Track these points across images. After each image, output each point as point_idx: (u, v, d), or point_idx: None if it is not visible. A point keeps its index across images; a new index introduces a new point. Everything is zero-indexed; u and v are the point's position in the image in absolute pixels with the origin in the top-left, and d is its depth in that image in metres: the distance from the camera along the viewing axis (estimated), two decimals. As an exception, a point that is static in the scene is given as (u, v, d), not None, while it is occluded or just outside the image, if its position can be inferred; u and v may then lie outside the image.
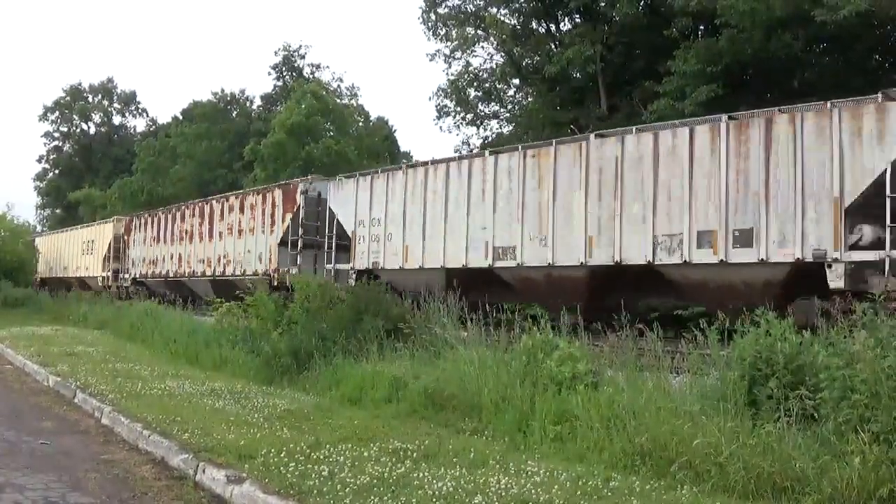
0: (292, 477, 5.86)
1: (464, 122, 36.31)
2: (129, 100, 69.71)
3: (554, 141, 14.80)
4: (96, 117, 69.17)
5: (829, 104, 11.12)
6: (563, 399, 7.48)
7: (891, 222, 10.13)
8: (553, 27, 32.24)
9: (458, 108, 36.03)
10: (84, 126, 68.96)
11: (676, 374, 7.84)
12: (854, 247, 10.62)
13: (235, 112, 56.00)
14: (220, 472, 6.18)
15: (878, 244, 10.50)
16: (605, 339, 9.22)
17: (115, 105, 69.60)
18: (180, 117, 58.85)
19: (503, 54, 33.60)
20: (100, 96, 69.15)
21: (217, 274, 23.73)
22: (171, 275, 26.88)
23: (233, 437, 7.25)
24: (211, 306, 17.16)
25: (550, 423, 7.28)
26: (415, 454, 6.66)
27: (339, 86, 52.59)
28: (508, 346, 9.36)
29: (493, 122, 36.22)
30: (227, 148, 51.16)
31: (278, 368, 11.84)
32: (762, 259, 11.23)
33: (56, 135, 68.87)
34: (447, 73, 40.41)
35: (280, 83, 53.81)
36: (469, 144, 35.59)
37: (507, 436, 7.50)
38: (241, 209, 22.93)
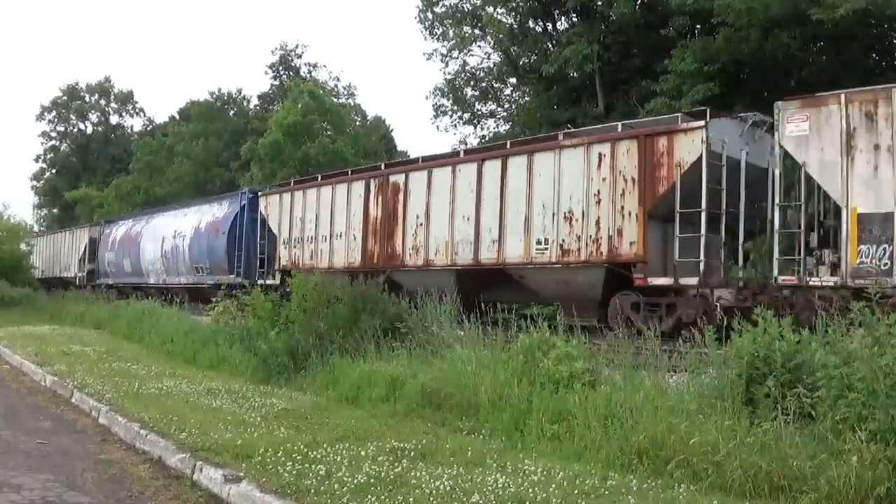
0: (290, 476, 5.85)
1: (461, 122, 36.37)
2: (126, 99, 69.63)
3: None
4: (93, 117, 69.10)
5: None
6: (560, 398, 7.47)
7: None
8: (550, 26, 32.25)
9: (456, 108, 36.04)
10: (81, 126, 68.93)
11: (674, 372, 7.85)
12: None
13: (232, 111, 56.01)
14: (218, 471, 6.17)
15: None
16: (603, 337, 9.22)
17: (113, 105, 69.51)
18: (177, 116, 58.92)
19: (500, 53, 33.58)
20: (97, 96, 69.04)
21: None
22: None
23: (230, 436, 7.23)
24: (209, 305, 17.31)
25: (548, 421, 7.27)
26: (412, 453, 6.65)
27: (336, 85, 52.74)
28: (506, 345, 9.36)
29: (491, 122, 36.30)
30: (223, 147, 51.18)
31: (275, 368, 11.82)
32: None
33: (53, 134, 68.81)
34: (444, 73, 40.39)
35: (277, 82, 53.81)
36: (466, 143, 35.61)
37: (504, 435, 7.49)
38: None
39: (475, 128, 36.42)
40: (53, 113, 67.93)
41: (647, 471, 6.05)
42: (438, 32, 35.32)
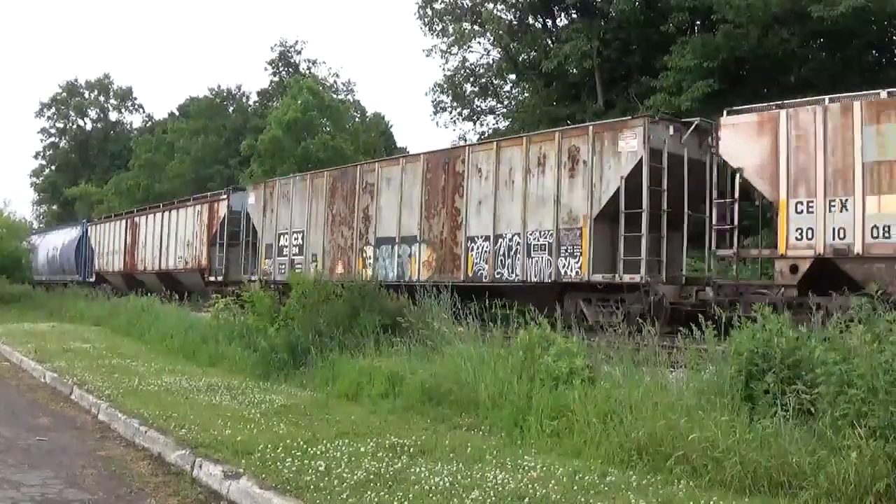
0: (289, 472, 5.86)
1: (460, 118, 36.33)
2: (126, 96, 69.44)
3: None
4: (93, 113, 68.94)
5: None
6: (559, 394, 7.47)
7: None
8: (550, 22, 32.25)
9: (455, 104, 36.01)
10: (80, 122, 68.77)
11: (673, 368, 7.84)
12: None
13: (232, 108, 55.93)
14: (217, 467, 6.17)
15: None
16: (603, 334, 9.22)
17: (112, 101, 69.32)
18: (177, 113, 58.82)
19: (500, 50, 33.55)
20: (96, 92, 68.86)
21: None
22: None
23: (230, 432, 7.24)
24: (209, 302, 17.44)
25: (547, 418, 7.27)
26: (412, 449, 6.66)
27: (335, 81, 52.60)
28: (505, 342, 9.36)
29: (490, 118, 36.28)
30: (223, 144, 51.12)
31: (275, 364, 11.82)
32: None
33: (52, 131, 68.66)
34: (443, 69, 40.33)
35: (276, 79, 53.72)
36: (465, 140, 35.57)
37: (503, 431, 7.49)
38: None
39: (474, 124, 36.45)
40: (53, 109, 67.77)
41: (646, 467, 6.05)
42: (438, 29, 35.29)
